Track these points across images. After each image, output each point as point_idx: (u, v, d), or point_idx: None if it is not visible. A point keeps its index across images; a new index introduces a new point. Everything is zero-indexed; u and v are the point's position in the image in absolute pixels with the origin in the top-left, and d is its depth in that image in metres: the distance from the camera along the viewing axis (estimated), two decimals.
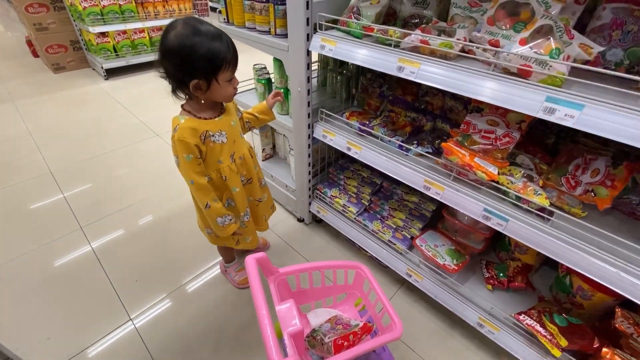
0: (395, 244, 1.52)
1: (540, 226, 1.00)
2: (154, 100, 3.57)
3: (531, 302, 1.29)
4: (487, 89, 0.93)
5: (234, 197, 1.26)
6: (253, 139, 2.08)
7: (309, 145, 1.63)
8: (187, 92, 1.08)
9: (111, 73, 4.10)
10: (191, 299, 1.59)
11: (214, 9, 6.96)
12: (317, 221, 1.99)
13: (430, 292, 1.42)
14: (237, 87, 1.13)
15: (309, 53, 1.36)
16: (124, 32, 3.96)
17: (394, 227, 1.58)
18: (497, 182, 1.08)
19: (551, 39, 0.85)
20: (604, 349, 1.01)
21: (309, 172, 1.75)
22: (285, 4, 1.32)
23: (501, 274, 1.37)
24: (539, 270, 1.45)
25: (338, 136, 1.48)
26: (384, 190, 1.74)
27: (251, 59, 2.04)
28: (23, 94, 3.62)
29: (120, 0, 3.77)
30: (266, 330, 0.83)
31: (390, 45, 1.15)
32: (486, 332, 1.27)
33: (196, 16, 1.43)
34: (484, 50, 0.99)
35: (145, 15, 4.03)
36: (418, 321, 1.51)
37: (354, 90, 1.81)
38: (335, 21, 1.32)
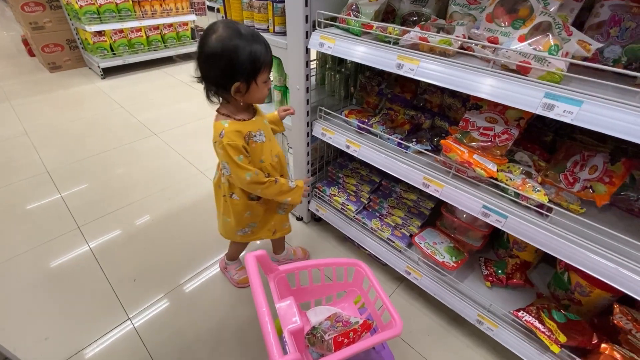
0: (394, 242, 1.53)
1: (539, 222, 1.01)
2: (151, 100, 3.55)
3: (530, 299, 1.29)
4: (486, 85, 0.93)
5: None
6: None
7: (308, 143, 1.63)
8: (225, 95, 1.08)
9: (108, 72, 4.08)
10: (190, 298, 1.59)
11: (211, 8, 6.94)
12: (316, 220, 1.99)
13: (429, 289, 1.42)
14: (270, 86, 1.14)
15: (307, 51, 1.35)
16: (121, 31, 3.94)
17: (393, 225, 1.58)
18: (496, 179, 1.09)
19: (550, 35, 0.85)
20: (603, 345, 1.02)
21: (308, 171, 1.74)
22: (283, 2, 1.31)
23: (500, 271, 1.37)
24: (538, 267, 1.46)
25: (337, 134, 1.48)
26: (382, 189, 1.74)
27: None
28: (19, 94, 3.60)
29: None
30: (267, 327, 0.83)
31: (389, 42, 1.15)
32: (485, 329, 1.28)
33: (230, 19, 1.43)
34: (483, 47, 0.99)
35: (142, 14, 4.01)
36: (417, 319, 1.51)
37: (352, 89, 1.81)
38: (334, 19, 1.32)
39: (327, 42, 1.26)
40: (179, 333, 1.45)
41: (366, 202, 1.69)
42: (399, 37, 1.11)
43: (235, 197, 1.26)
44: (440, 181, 1.18)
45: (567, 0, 0.96)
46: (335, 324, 1.10)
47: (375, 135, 1.43)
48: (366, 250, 1.67)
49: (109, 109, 3.35)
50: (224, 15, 1.72)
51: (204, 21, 5.66)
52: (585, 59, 0.89)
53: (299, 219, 2.00)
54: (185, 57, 4.79)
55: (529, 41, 0.88)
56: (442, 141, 1.17)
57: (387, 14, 1.37)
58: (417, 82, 1.55)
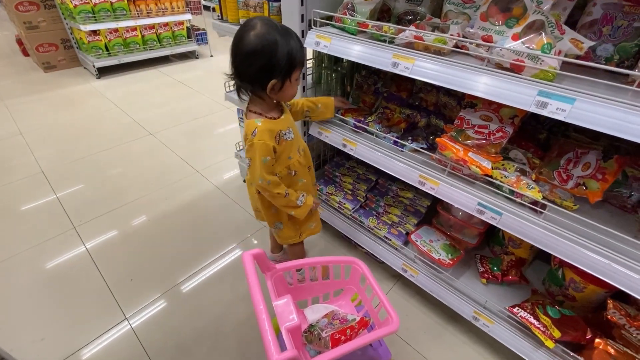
0: (390, 240, 1.53)
1: (533, 219, 1.02)
2: (146, 99, 3.54)
3: (525, 295, 1.31)
4: (480, 84, 0.94)
5: (299, 189, 1.26)
6: None
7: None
8: (259, 93, 1.06)
9: (103, 72, 4.06)
10: (187, 298, 1.59)
11: (207, 7, 6.91)
12: None
13: (426, 286, 1.43)
14: (299, 84, 1.15)
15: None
16: (116, 30, 3.92)
17: (390, 223, 1.59)
18: (491, 177, 1.10)
19: (543, 34, 0.86)
20: (597, 340, 1.03)
21: None
22: (279, 0, 1.32)
23: (495, 268, 1.38)
24: (532, 264, 1.47)
25: (333, 133, 1.48)
26: (379, 187, 1.75)
27: None
28: (13, 94, 3.57)
29: None
30: (264, 325, 0.83)
31: (384, 41, 1.15)
32: (481, 325, 1.29)
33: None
34: (477, 45, 1.00)
35: (138, 13, 3.99)
36: (414, 316, 1.52)
37: (348, 88, 1.81)
38: (329, 18, 1.32)
39: (323, 41, 1.26)
40: (177, 332, 1.45)
41: (363, 200, 1.70)
42: (395, 36, 1.11)
43: None
44: (436, 179, 1.19)
45: None
46: (332, 321, 1.11)
47: (372, 134, 1.44)
48: (363, 248, 1.67)
49: (105, 108, 3.34)
50: (219, 15, 1.71)
51: (200, 20, 5.64)
52: (578, 57, 0.90)
53: None
54: (181, 57, 4.77)
55: (522, 40, 0.88)
56: (437, 139, 1.18)
57: (383, 13, 1.38)
58: (412, 81, 1.56)
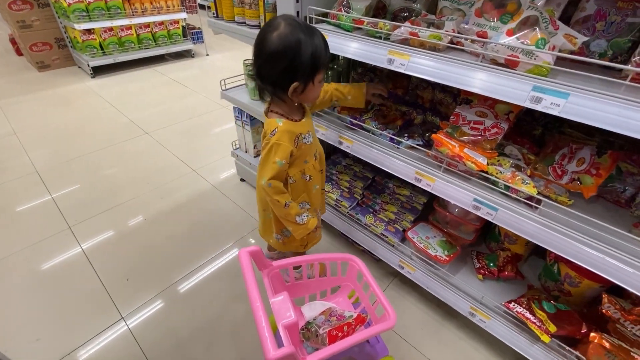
0: (387, 237, 1.54)
1: (529, 215, 1.02)
2: (142, 99, 3.52)
3: (521, 291, 1.31)
4: (475, 79, 0.94)
5: (312, 197, 1.23)
6: (244, 135, 2.06)
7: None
8: (281, 95, 1.02)
9: (98, 71, 4.03)
10: (184, 297, 1.58)
11: (202, 6, 6.88)
12: None
13: (423, 283, 1.44)
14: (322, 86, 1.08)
15: None
16: (111, 29, 3.89)
17: (386, 220, 1.60)
18: (487, 172, 1.10)
19: (537, 29, 0.87)
20: (592, 334, 1.04)
21: None
22: None
23: (491, 264, 1.39)
24: (528, 259, 1.48)
25: (330, 130, 1.48)
26: (376, 184, 1.75)
27: (241, 55, 2.02)
28: (7, 93, 3.54)
29: None
30: (261, 321, 0.83)
31: (380, 38, 1.15)
32: (478, 321, 1.30)
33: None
34: (472, 41, 1.00)
35: (132, 12, 3.96)
36: (411, 312, 1.52)
37: None
38: (325, 14, 1.32)
39: None
40: (173, 331, 1.44)
41: (360, 198, 1.70)
42: (390, 33, 1.11)
43: None
44: (432, 175, 1.19)
45: None
46: (329, 318, 1.11)
47: (368, 131, 1.44)
48: (360, 246, 1.68)
49: (100, 108, 3.31)
50: (214, 12, 1.71)
51: (195, 19, 5.61)
52: (571, 52, 0.91)
53: None
54: (176, 56, 4.75)
55: (516, 35, 0.89)
56: (433, 135, 1.18)
57: (378, 10, 1.38)
58: (408, 78, 1.56)
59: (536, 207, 1.03)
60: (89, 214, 2.02)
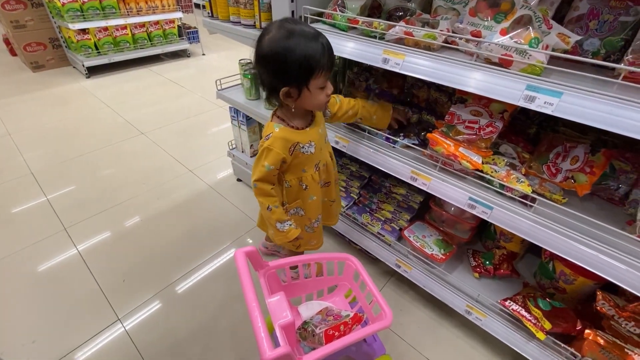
0: (384, 236, 1.54)
1: (524, 213, 1.03)
2: (138, 99, 3.50)
3: (516, 289, 1.32)
4: (470, 79, 0.94)
5: (307, 206, 1.22)
6: (241, 135, 2.06)
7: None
8: (276, 99, 1.03)
9: (93, 71, 4.01)
10: (181, 297, 1.58)
11: (198, 5, 6.85)
12: None
13: (419, 281, 1.44)
14: (328, 95, 1.02)
15: None
16: (105, 28, 3.87)
17: (383, 219, 1.60)
18: (482, 171, 1.10)
19: (530, 28, 0.87)
20: (587, 331, 1.05)
21: None
22: None
23: (487, 262, 1.40)
24: (524, 257, 1.49)
25: (326, 130, 1.48)
26: (372, 184, 1.76)
27: (237, 55, 2.02)
28: (1, 94, 3.51)
29: None
30: (257, 322, 0.83)
31: (375, 37, 1.16)
32: (474, 319, 1.30)
33: (292, 17, 1.30)
34: (467, 41, 1.01)
35: (127, 12, 3.94)
36: (408, 311, 1.53)
37: (340, 84, 1.81)
38: (320, 14, 1.32)
39: None
40: (170, 332, 1.44)
41: (356, 197, 1.70)
42: (385, 32, 1.11)
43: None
44: (428, 174, 1.19)
45: None
46: (326, 317, 1.11)
47: (364, 130, 1.44)
48: (357, 245, 1.68)
49: (95, 108, 3.29)
50: (209, 12, 1.70)
51: (191, 18, 5.59)
52: (565, 51, 0.91)
53: None
54: (172, 55, 4.73)
55: (510, 34, 0.89)
56: (428, 135, 1.18)
57: (374, 9, 1.38)
58: (404, 77, 1.56)
59: (531, 206, 1.04)
60: (84, 215, 2.01)
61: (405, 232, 1.47)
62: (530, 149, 1.22)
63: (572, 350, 1.07)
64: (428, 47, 1.06)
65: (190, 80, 3.96)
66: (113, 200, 2.13)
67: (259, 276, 1.09)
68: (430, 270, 1.42)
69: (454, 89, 1.32)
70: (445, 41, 1.05)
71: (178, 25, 4.52)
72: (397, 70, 1.07)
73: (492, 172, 1.10)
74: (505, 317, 1.23)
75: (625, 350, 0.98)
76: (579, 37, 0.90)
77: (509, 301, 1.21)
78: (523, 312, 1.16)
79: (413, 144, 1.31)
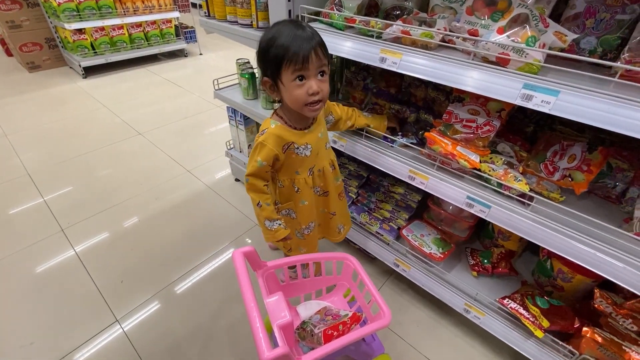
0: (382, 235, 1.54)
1: (521, 211, 1.03)
2: (135, 99, 3.49)
3: (515, 287, 1.32)
4: (467, 77, 0.94)
5: (298, 209, 1.21)
6: (238, 134, 2.06)
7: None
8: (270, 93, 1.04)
9: (89, 71, 3.99)
10: (179, 298, 1.58)
11: (195, 5, 6.83)
12: None
13: (418, 280, 1.44)
14: (312, 94, 0.95)
15: None
16: (102, 28, 3.86)
17: (381, 218, 1.60)
18: (479, 170, 1.10)
19: (527, 27, 0.87)
20: (585, 328, 1.05)
21: None
22: None
23: (485, 261, 1.40)
24: (522, 255, 1.49)
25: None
26: (370, 183, 1.76)
27: (235, 54, 2.01)
28: None
29: None
30: (255, 322, 0.83)
31: (372, 36, 1.15)
32: (472, 317, 1.30)
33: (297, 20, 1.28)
34: (464, 39, 1.00)
35: (124, 11, 3.92)
36: (407, 310, 1.53)
37: (338, 84, 1.81)
38: (317, 13, 1.32)
39: None
40: (169, 332, 1.44)
41: (355, 196, 1.70)
42: (382, 31, 1.11)
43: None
44: (426, 174, 1.19)
45: None
46: (324, 317, 1.11)
47: (362, 129, 1.44)
48: (355, 244, 1.68)
49: (92, 109, 3.28)
50: (206, 11, 1.69)
51: (188, 18, 5.57)
52: (562, 50, 0.91)
53: None
54: (169, 55, 4.71)
55: (507, 33, 0.89)
56: (426, 134, 1.18)
57: (371, 8, 1.37)
58: (401, 77, 1.56)
59: (528, 204, 1.04)
60: (82, 216, 2.00)
61: (404, 231, 1.47)
62: (527, 148, 1.22)
63: (570, 347, 1.08)
64: (425, 46, 1.06)
65: (188, 80, 3.95)
66: (110, 201, 2.12)
67: (257, 276, 1.09)
68: (428, 269, 1.42)
69: (451, 88, 1.32)
70: (443, 40, 1.05)
71: (175, 25, 4.51)
72: (394, 69, 1.07)
73: (489, 170, 1.10)
74: (504, 315, 1.23)
75: (623, 347, 0.98)
76: (575, 36, 0.90)
77: (507, 299, 1.21)
78: (521, 310, 1.17)
79: (411, 143, 1.31)
